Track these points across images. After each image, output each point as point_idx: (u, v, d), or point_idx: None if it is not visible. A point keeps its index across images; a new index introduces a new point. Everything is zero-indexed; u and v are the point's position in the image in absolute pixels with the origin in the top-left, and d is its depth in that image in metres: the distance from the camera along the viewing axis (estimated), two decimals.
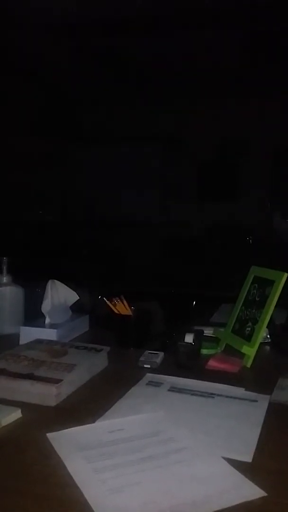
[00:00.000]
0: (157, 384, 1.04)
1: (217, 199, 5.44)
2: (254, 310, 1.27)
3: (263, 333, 1.22)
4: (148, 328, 1.34)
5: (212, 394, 0.99)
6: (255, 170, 5.28)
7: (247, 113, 4.98)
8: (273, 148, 5.18)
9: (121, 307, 1.37)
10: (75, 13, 3.54)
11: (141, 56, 4.36)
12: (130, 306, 1.38)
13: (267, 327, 1.23)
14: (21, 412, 0.86)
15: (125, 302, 1.38)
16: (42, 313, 1.39)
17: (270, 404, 0.94)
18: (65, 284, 1.48)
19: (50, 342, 1.22)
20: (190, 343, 1.17)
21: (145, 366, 1.15)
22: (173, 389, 1.01)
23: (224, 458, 0.73)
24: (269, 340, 1.36)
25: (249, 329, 1.25)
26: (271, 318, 1.22)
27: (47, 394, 0.92)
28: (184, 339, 1.17)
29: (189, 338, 1.17)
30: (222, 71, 4.57)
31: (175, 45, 4.15)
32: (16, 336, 1.33)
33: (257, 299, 1.28)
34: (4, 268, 1.48)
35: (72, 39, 4.06)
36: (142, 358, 1.17)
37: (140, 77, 4.77)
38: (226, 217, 5.27)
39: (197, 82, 4.84)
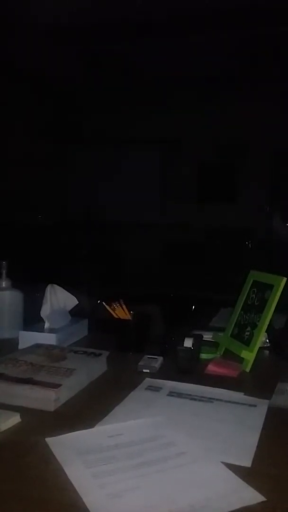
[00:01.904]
0: (156, 389, 1.04)
1: (217, 201, 5.44)
2: (253, 315, 1.27)
3: (262, 338, 1.22)
4: (147, 333, 1.34)
5: (211, 398, 0.99)
6: (255, 172, 5.28)
7: (247, 115, 4.99)
8: (273, 150, 5.19)
9: (120, 312, 1.37)
10: (76, 17, 3.56)
11: (141, 58, 4.38)
12: (129, 311, 1.38)
13: (266, 331, 1.24)
14: (20, 416, 0.86)
15: (124, 306, 1.38)
16: (41, 318, 1.39)
17: (269, 408, 0.94)
18: (64, 287, 1.48)
19: (49, 346, 1.22)
20: (189, 348, 1.17)
21: (144, 370, 1.15)
22: (172, 393, 1.01)
23: (223, 463, 0.73)
24: (268, 345, 1.36)
25: (248, 333, 1.25)
26: (270, 323, 1.22)
27: (46, 399, 0.92)
28: (183, 344, 1.17)
29: (188, 343, 1.17)
30: (222, 73, 4.58)
31: (175, 47, 4.17)
32: (15, 341, 1.33)
33: (256, 303, 1.28)
34: (3, 272, 1.48)
35: (73, 42, 4.08)
36: (141, 363, 1.17)
37: (140, 78, 4.79)
38: (226, 219, 5.28)
39: (197, 84, 4.86)
